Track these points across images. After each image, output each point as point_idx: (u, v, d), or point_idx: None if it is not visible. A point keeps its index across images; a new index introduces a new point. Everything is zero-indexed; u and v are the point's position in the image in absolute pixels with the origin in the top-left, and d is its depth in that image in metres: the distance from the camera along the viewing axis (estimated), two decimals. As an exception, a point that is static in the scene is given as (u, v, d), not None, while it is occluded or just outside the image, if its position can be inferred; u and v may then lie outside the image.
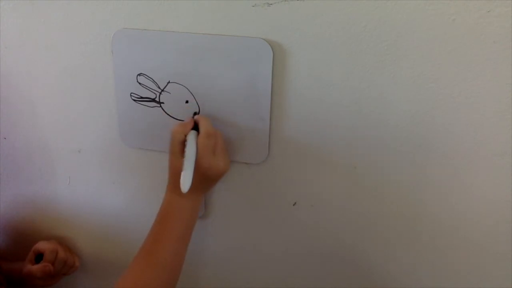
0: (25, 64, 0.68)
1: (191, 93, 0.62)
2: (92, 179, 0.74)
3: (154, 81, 0.63)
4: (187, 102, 0.63)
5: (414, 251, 0.66)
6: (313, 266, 0.72)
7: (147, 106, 0.65)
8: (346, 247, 0.69)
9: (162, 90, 0.63)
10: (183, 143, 0.59)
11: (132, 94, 0.65)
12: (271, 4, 0.55)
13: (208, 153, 0.58)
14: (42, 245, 0.76)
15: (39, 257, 0.76)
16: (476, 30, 0.51)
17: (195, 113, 0.64)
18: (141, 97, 0.65)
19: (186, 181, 0.56)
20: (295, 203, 0.67)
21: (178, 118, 0.65)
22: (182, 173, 0.56)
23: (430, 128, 0.57)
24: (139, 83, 0.64)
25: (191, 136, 0.59)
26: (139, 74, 0.63)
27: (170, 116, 0.65)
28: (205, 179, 0.60)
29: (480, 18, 0.50)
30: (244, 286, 0.77)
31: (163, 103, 0.64)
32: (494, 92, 0.54)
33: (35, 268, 0.72)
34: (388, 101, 0.57)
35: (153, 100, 0.64)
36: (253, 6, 0.56)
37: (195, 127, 0.61)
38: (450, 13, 0.51)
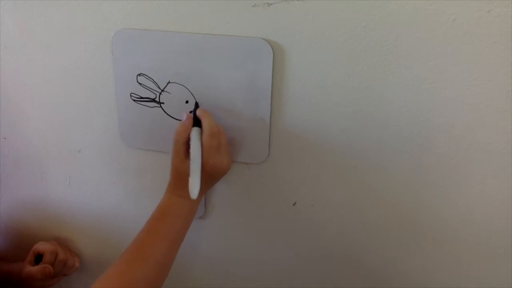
0: (25, 64, 0.68)
1: (191, 93, 0.62)
2: (92, 179, 0.74)
3: (154, 81, 0.63)
4: (187, 102, 0.63)
5: (414, 250, 0.66)
6: (313, 265, 0.72)
7: (147, 106, 0.65)
8: (345, 247, 0.69)
9: (162, 90, 0.63)
10: (187, 143, 0.58)
11: (132, 94, 0.65)
12: (271, 4, 0.55)
13: (213, 152, 0.58)
14: (41, 246, 0.76)
15: (38, 257, 0.76)
16: (476, 30, 0.51)
17: (196, 104, 0.62)
18: (141, 97, 0.65)
19: (195, 187, 0.55)
20: (295, 203, 0.67)
21: (178, 118, 0.64)
22: (190, 179, 0.56)
23: (430, 128, 0.57)
24: (139, 83, 0.64)
25: (195, 134, 0.58)
26: (139, 74, 0.63)
27: (170, 116, 0.65)
28: (209, 178, 0.60)
29: (480, 18, 0.50)
30: (244, 286, 0.77)
31: (163, 103, 0.64)
32: (494, 92, 0.54)
33: (35, 269, 0.72)
34: (388, 101, 0.57)
35: (153, 100, 0.64)
36: (253, 6, 0.56)
37: (197, 122, 0.60)
38: (450, 13, 0.51)
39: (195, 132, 0.58)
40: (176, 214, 0.60)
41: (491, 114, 0.55)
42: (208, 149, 0.57)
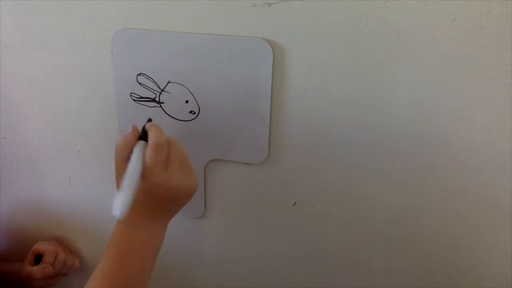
0: (25, 64, 0.68)
1: (191, 93, 0.62)
2: (92, 179, 0.74)
3: (154, 81, 0.63)
4: (187, 102, 0.63)
5: (414, 250, 0.66)
6: (313, 266, 0.72)
7: (147, 106, 0.65)
8: (346, 247, 0.69)
9: (162, 90, 0.63)
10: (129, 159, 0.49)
11: (132, 94, 0.65)
12: (271, 4, 0.55)
13: (157, 167, 0.48)
14: (41, 246, 0.76)
15: (38, 257, 0.76)
16: (476, 30, 0.51)
17: (149, 120, 0.54)
18: (141, 97, 0.65)
19: (119, 205, 0.44)
20: (295, 203, 0.67)
21: (178, 118, 0.64)
22: (116, 195, 0.45)
23: (430, 128, 0.57)
24: (139, 83, 0.64)
25: (138, 148, 0.49)
26: (139, 74, 0.63)
27: (170, 116, 0.65)
28: (159, 201, 0.50)
29: (480, 18, 0.50)
30: (244, 286, 0.77)
31: (163, 103, 0.64)
32: (494, 92, 0.54)
33: (35, 269, 0.72)
34: (388, 101, 0.57)
35: (153, 100, 0.64)
36: (253, 6, 0.56)
37: (145, 136, 0.51)
38: (450, 13, 0.51)
39: (138, 145, 0.49)
40: (135, 249, 0.51)
41: (491, 114, 0.55)
42: (152, 163, 0.47)
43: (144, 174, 0.48)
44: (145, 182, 0.48)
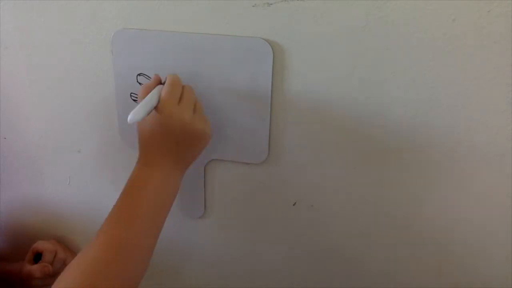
0: (25, 64, 0.68)
1: (191, 93, 0.62)
2: (92, 179, 0.74)
3: (154, 81, 0.63)
4: (187, 102, 0.63)
5: (414, 250, 0.66)
6: (313, 266, 0.72)
7: (147, 106, 0.65)
8: (346, 248, 0.69)
9: (162, 90, 0.63)
10: None
11: (132, 94, 0.65)
12: (271, 4, 0.55)
13: (171, 100, 0.52)
14: (41, 245, 0.76)
15: (37, 256, 0.76)
16: (476, 30, 0.51)
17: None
18: (141, 97, 0.65)
19: (135, 111, 0.50)
20: (295, 203, 0.67)
21: (178, 118, 0.64)
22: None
23: (430, 128, 0.57)
24: (139, 83, 0.64)
25: (157, 87, 0.54)
26: (139, 74, 0.63)
27: (170, 116, 0.65)
28: (172, 137, 0.53)
29: (480, 18, 0.50)
30: (244, 286, 0.77)
31: (163, 103, 0.64)
32: (494, 92, 0.54)
33: (34, 268, 0.72)
34: (388, 101, 0.57)
35: (153, 100, 0.64)
36: (253, 6, 0.56)
37: None
38: (450, 13, 0.51)
39: (157, 87, 0.55)
40: (147, 187, 0.53)
41: (491, 114, 0.55)
42: (166, 97, 0.52)
43: (159, 106, 0.52)
44: (159, 113, 0.52)
